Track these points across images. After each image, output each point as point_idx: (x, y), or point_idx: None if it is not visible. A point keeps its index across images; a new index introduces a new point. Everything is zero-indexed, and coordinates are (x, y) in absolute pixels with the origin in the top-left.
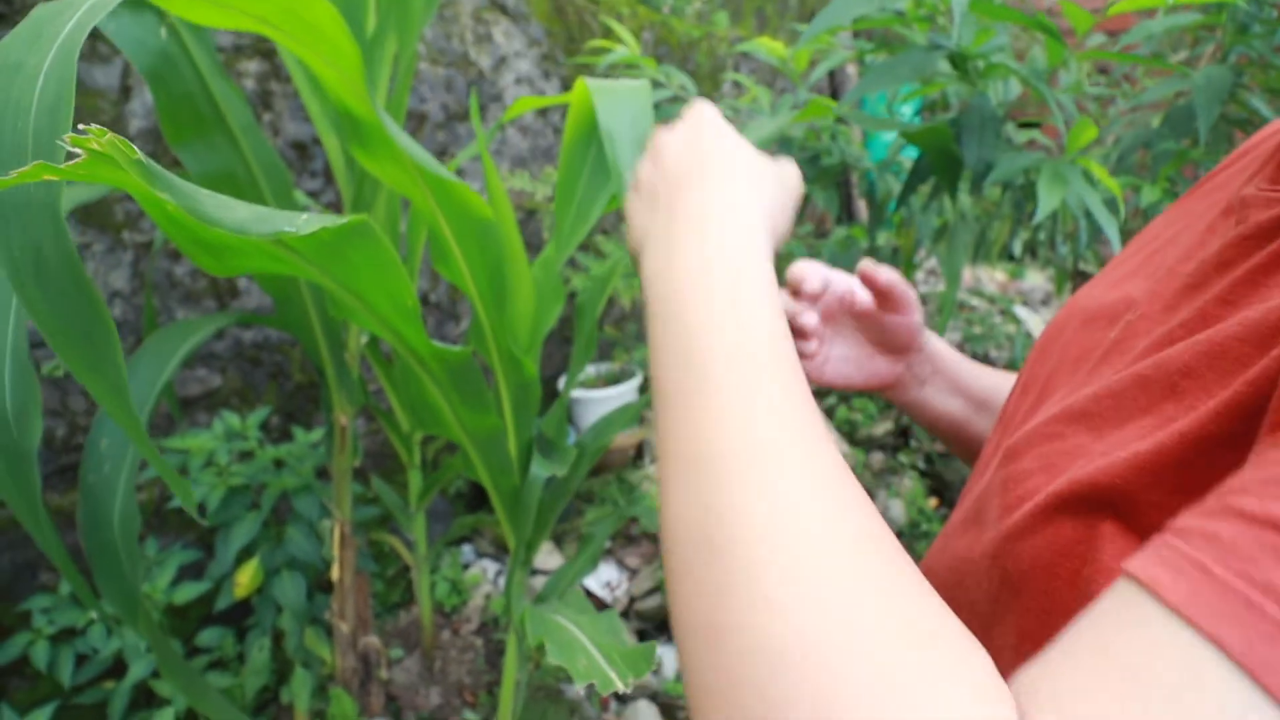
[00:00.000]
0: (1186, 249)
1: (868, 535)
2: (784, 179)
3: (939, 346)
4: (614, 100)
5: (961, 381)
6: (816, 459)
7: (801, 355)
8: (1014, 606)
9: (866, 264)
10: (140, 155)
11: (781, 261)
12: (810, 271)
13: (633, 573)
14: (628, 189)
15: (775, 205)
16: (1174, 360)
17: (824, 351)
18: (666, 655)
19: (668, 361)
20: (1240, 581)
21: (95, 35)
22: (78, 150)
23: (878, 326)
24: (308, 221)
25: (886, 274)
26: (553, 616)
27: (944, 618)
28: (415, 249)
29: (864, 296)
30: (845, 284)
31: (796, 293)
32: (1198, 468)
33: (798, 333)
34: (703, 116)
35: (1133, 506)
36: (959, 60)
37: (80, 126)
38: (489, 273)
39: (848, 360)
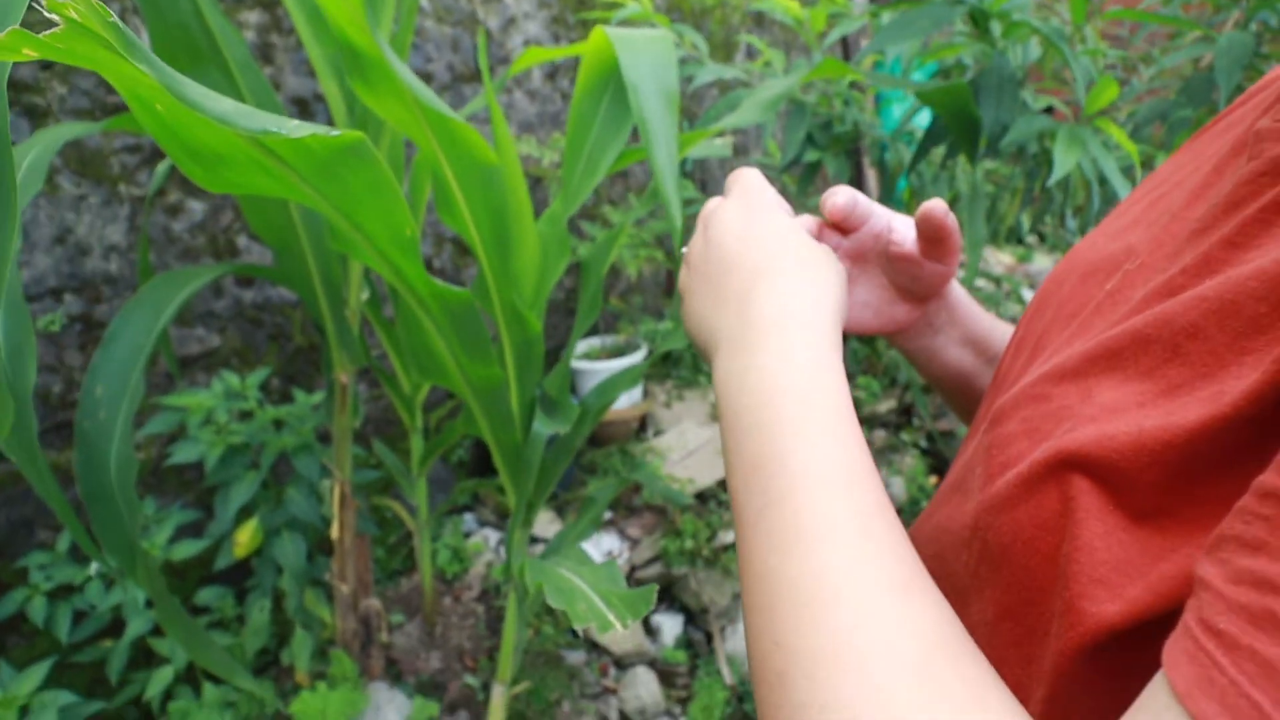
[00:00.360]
0: (1192, 191)
1: (930, 650)
2: (832, 257)
3: (959, 294)
4: (636, 49)
5: (975, 332)
6: (884, 583)
7: None
8: (993, 581)
9: (937, 204)
10: (115, 19)
11: None
12: (851, 202)
13: (634, 543)
14: (681, 266)
15: (840, 293)
16: (1178, 317)
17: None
18: (665, 623)
19: (741, 477)
20: None
21: None
22: (54, 16)
23: (910, 272)
24: (298, 127)
25: (953, 217)
26: (552, 567)
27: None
28: (419, 204)
29: (904, 236)
30: (884, 221)
31: (833, 221)
32: (1207, 451)
33: None
34: (753, 190)
35: (1128, 484)
36: (979, 17)
37: None
38: (493, 220)
39: (868, 306)
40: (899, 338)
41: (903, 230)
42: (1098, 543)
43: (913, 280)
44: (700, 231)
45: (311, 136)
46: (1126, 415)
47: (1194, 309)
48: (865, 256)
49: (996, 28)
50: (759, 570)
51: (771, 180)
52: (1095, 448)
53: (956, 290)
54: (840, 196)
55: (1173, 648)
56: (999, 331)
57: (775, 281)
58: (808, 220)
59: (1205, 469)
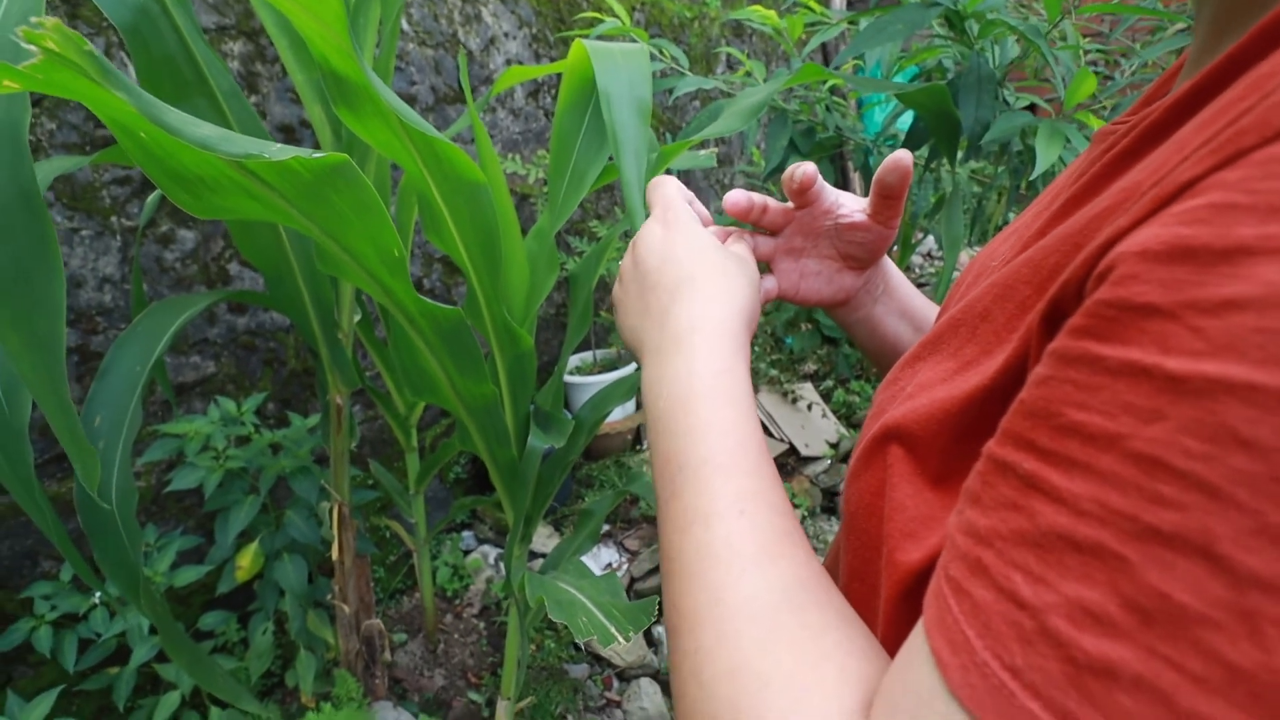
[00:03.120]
0: (1058, 191)
1: (780, 604)
2: (745, 266)
3: (893, 268)
4: (612, 62)
5: (909, 306)
6: (751, 554)
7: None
8: (848, 546)
9: (905, 154)
10: (92, 48)
11: None
12: (815, 172)
13: (633, 555)
14: (616, 280)
15: (749, 302)
16: (978, 303)
17: (800, 266)
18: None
19: (658, 471)
20: (995, 663)
21: (74, 7)
22: (33, 47)
23: (857, 239)
24: (280, 150)
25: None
26: (552, 581)
27: (827, 663)
28: (406, 227)
29: (850, 209)
30: (833, 197)
31: (801, 189)
32: (978, 415)
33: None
34: (671, 207)
35: (926, 449)
36: (955, 18)
37: (33, 19)
38: (481, 238)
39: (820, 275)
40: (845, 310)
41: (849, 204)
42: (908, 502)
43: (859, 247)
44: (630, 250)
45: (295, 159)
46: (932, 390)
47: (988, 295)
48: (816, 231)
49: (973, 28)
50: (665, 548)
51: (754, 187)
52: (903, 419)
53: (890, 264)
54: (809, 165)
55: (929, 591)
56: (931, 309)
57: (689, 297)
58: (718, 230)
59: (977, 433)
